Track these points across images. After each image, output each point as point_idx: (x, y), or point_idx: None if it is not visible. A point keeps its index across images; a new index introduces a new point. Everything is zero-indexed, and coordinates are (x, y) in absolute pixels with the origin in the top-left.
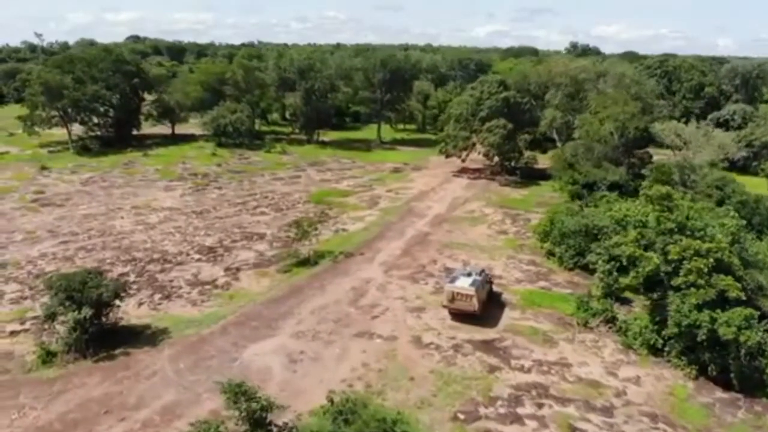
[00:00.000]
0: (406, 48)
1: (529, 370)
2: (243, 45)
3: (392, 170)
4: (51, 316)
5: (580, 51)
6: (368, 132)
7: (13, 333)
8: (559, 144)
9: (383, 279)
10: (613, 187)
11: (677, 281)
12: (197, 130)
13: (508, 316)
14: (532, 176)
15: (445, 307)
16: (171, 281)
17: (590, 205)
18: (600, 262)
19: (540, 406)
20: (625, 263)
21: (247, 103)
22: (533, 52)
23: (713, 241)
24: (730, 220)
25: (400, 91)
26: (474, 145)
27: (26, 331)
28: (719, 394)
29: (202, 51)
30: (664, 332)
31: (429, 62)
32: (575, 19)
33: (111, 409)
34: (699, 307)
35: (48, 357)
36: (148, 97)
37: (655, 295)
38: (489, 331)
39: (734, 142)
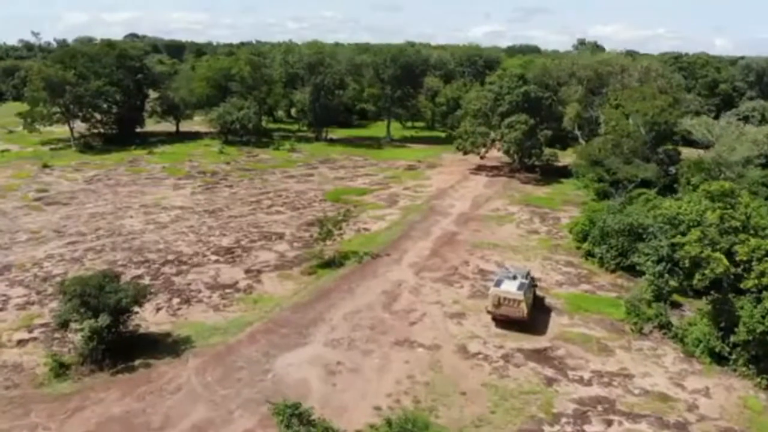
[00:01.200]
0: (412, 45)
1: (589, 382)
2: (242, 44)
3: (407, 168)
4: (64, 324)
5: (588, 48)
6: (376, 130)
7: (20, 342)
8: (582, 140)
9: (415, 281)
10: (644, 184)
11: (748, 284)
12: (202, 128)
13: (556, 323)
14: (552, 174)
15: (489, 313)
16: (189, 284)
17: (626, 204)
18: (649, 263)
19: (609, 423)
20: (687, 264)
21: (254, 100)
22: (535, 50)
23: None
24: None
25: (410, 88)
26: (493, 141)
27: (35, 340)
28: None
29: (201, 49)
30: (730, 339)
31: (437, 58)
32: (572, 19)
33: (134, 430)
34: None
35: (61, 369)
36: (152, 94)
37: (712, 299)
38: (539, 339)
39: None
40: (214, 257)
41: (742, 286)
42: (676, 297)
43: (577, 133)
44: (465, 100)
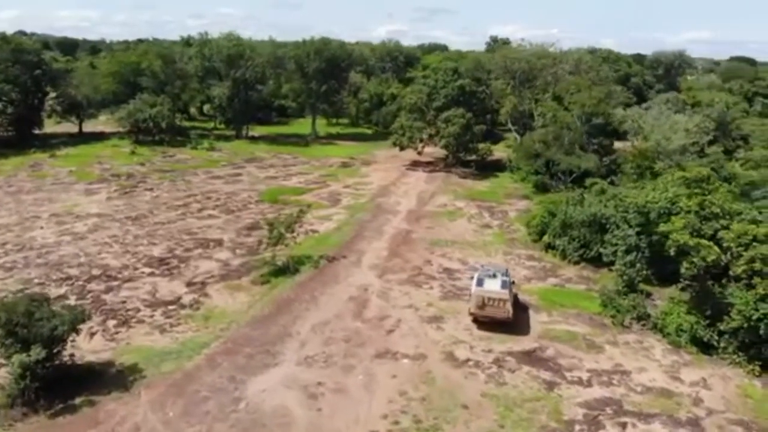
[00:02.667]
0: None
1: (589, 383)
2: (140, 41)
3: (341, 165)
4: None
5: (501, 46)
6: (299, 127)
7: None
8: (515, 134)
9: (381, 285)
10: (580, 176)
11: (738, 270)
12: (107, 128)
13: (536, 320)
14: (487, 168)
15: (472, 314)
16: (123, 302)
17: (584, 195)
18: (619, 253)
19: (623, 426)
20: (672, 253)
21: (167, 96)
22: (444, 49)
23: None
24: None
25: (335, 83)
26: (431, 137)
27: None
28: None
29: (95, 47)
30: (716, 327)
31: (358, 53)
32: (472, 19)
33: None
34: (763, 298)
35: None
36: (51, 93)
37: (695, 287)
38: (524, 340)
39: (698, 127)
40: (147, 270)
41: (731, 272)
42: (642, 286)
43: (511, 127)
44: (400, 95)
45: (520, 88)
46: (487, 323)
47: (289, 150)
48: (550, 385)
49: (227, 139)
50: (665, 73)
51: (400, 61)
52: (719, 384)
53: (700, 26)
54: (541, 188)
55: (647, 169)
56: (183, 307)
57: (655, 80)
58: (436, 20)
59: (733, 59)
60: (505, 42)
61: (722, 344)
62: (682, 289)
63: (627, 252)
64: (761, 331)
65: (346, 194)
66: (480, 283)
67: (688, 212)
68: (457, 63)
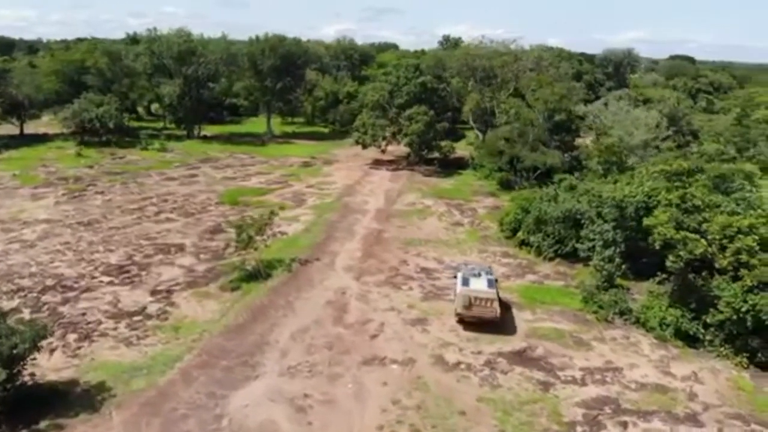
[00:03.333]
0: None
1: (584, 382)
2: (79, 40)
3: (301, 165)
4: None
5: (453, 45)
6: (252, 126)
7: None
8: (477, 132)
9: (359, 288)
10: (549, 171)
11: (723, 262)
12: (50, 129)
13: (520, 319)
14: (449, 166)
15: (458, 315)
16: (83, 314)
17: (558, 191)
18: (597, 248)
19: (624, 425)
20: (657, 247)
21: (114, 95)
22: (395, 48)
23: (752, 216)
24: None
25: (291, 80)
26: (394, 134)
27: None
28: None
29: (33, 46)
30: (700, 320)
31: (313, 51)
32: (419, 19)
33: None
34: (750, 290)
35: None
36: None
37: (678, 281)
38: (512, 339)
39: (657, 122)
40: (105, 278)
41: (716, 264)
42: (618, 281)
43: (473, 124)
44: (362, 93)
45: (481, 86)
46: (473, 323)
47: (245, 149)
48: (545, 386)
49: (179, 139)
50: (614, 71)
51: (355, 59)
52: (710, 377)
53: (639, 26)
54: (506, 185)
55: (614, 164)
56: (149, 317)
57: (605, 78)
58: (384, 20)
59: (672, 58)
60: (458, 41)
61: (708, 337)
62: (659, 283)
63: (605, 247)
64: (748, 323)
65: (310, 194)
66: (465, 282)
67: (668, 205)
68: (419, 60)
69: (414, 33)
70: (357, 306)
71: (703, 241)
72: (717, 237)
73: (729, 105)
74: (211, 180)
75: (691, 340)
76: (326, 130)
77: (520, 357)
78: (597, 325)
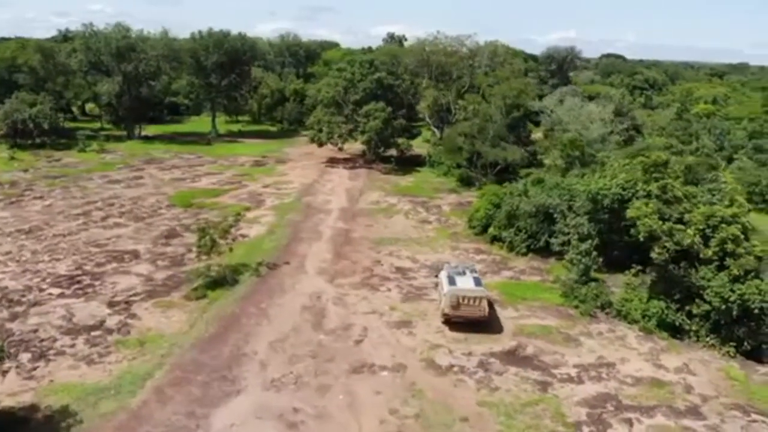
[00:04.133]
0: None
1: (580, 380)
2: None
3: (253, 164)
4: None
5: (398, 42)
6: (195, 125)
7: None
8: (433, 129)
9: (334, 291)
10: (507, 167)
11: (709, 252)
12: None
13: (505, 316)
14: (407, 163)
15: (445, 315)
16: (35, 331)
17: (527, 185)
18: (573, 242)
19: (629, 422)
20: (642, 239)
21: (48, 94)
22: (336, 45)
23: (733, 206)
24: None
25: (236, 77)
26: (351, 132)
27: None
28: (765, 369)
29: None
30: (684, 311)
31: (258, 47)
32: (355, 19)
33: None
34: (736, 279)
35: None
36: None
37: (658, 272)
38: (500, 338)
39: (611, 117)
40: (55, 290)
41: (702, 255)
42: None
43: (429, 121)
44: (314, 89)
45: (437, 82)
46: (460, 324)
47: (191, 149)
48: (543, 386)
49: (118, 139)
50: (558, 69)
51: (301, 56)
52: (701, 368)
53: (568, 26)
54: (466, 182)
55: (576, 159)
56: (109, 332)
57: (549, 75)
58: (320, 19)
59: (606, 56)
60: (402, 39)
61: (694, 328)
62: (635, 275)
63: (581, 240)
64: (734, 312)
65: (268, 194)
66: (452, 281)
67: (647, 196)
68: (374, 55)
69: (352, 32)
70: (335, 310)
71: (690, 231)
72: (700, 227)
73: (667, 100)
74: (159, 182)
75: (674, 332)
76: (274, 129)
77: (513, 356)
78: (581, 319)
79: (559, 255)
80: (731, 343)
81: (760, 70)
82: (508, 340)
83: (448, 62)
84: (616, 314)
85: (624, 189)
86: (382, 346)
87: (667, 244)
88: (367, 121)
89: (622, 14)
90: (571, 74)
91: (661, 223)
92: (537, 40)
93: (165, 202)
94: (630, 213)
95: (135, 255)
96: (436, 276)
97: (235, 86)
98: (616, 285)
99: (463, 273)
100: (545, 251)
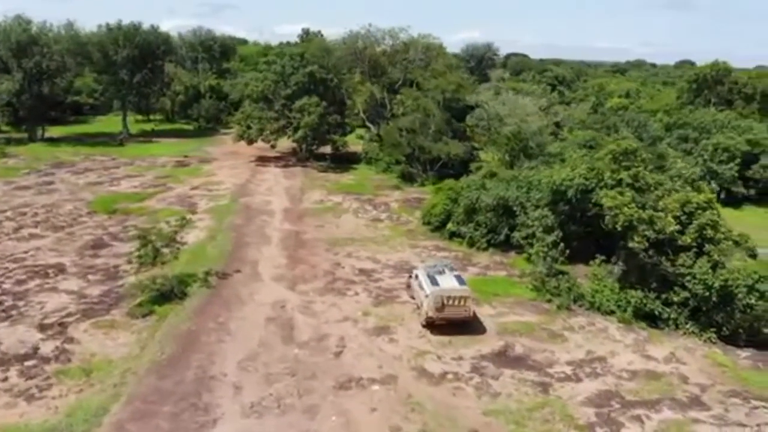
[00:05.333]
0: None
1: (577, 378)
2: None
3: (175, 165)
4: None
5: (314, 38)
6: (102, 125)
7: None
8: (369, 125)
9: (298, 299)
10: (449, 162)
11: (687, 239)
12: None
13: (483, 314)
14: (341, 161)
15: (429, 319)
16: None
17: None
18: (538, 234)
19: (639, 419)
20: (619, 228)
21: None
22: (244, 42)
23: (702, 193)
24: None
25: (149, 73)
26: (284, 128)
27: None
28: (745, 353)
29: None
30: (660, 299)
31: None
32: (258, 17)
33: None
34: (716, 265)
35: None
36: None
37: (632, 260)
38: (486, 339)
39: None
40: None
41: (680, 242)
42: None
43: (363, 116)
44: (232, 85)
45: (369, 76)
46: (442, 326)
47: (102, 151)
48: (543, 387)
49: (19, 142)
50: (477, 65)
51: (216, 52)
52: (689, 357)
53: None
54: (408, 178)
55: (520, 151)
56: (46, 360)
57: (469, 72)
58: (222, 16)
59: (512, 55)
60: (317, 34)
61: (672, 315)
62: (599, 266)
63: (546, 233)
64: (714, 298)
65: (199, 197)
66: (434, 281)
67: (616, 185)
68: (305, 48)
69: (256, 30)
70: (304, 320)
71: (670, 219)
72: (677, 214)
73: (579, 96)
74: (74, 187)
75: (651, 321)
76: (190, 128)
77: (504, 358)
78: (559, 314)
79: (519, 249)
80: (711, 329)
81: (652, 66)
82: (494, 340)
83: (382, 56)
84: (589, 306)
85: (587, 179)
86: (364, 357)
87: (647, 233)
88: (301, 117)
89: (521, 15)
90: (489, 71)
91: (641, 211)
92: (447, 39)
93: (84, 208)
94: (607, 202)
95: (60, 269)
96: (409, 276)
97: (148, 83)
98: (579, 276)
99: (443, 272)
100: (505, 245)
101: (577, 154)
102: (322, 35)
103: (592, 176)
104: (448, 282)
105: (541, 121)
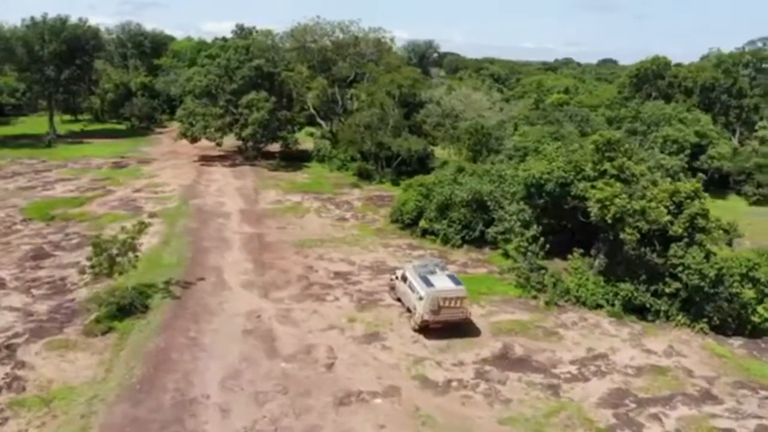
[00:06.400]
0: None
1: (585, 377)
2: None
3: (112, 166)
4: None
5: (248, 34)
6: (24, 126)
7: None
8: (320, 121)
9: (274, 307)
10: (406, 160)
11: (678, 229)
12: None
13: (474, 314)
14: (292, 159)
15: (424, 323)
16: None
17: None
18: (516, 229)
19: (657, 418)
20: (609, 221)
21: None
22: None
23: (694, 181)
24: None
25: (77, 70)
26: (231, 125)
27: None
28: (737, 342)
29: None
30: (649, 292)
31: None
32: (183, 15)
33: None
34: (708, 255)
35: None
36: None
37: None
38: (482, 341)
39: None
40: None
41: (671, 232)
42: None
43: (314, 113)
44: (181, 79)
45: (318, 71)
46: (437, 329)
47: (30, 153)
48: (553, 390)
49: None
50: (419, 62)
51: (147, 47)
52: (686, 349)
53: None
54: (365, 176)
55: (483, 146)
56: None
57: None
58: (146, 14)
59: (445, 54)
60: (252, 30)
61: (663, 307)
62: (578, 259)
63: (525, 227)
64: (706, 288)
65: (144, 200)
66: (427, 282)
67: (600, 176)
68: (249, 41)
69: (182, 28)
70: (285, 330)
71: (663, 210)
72: (666, 204)
73: (518, 93)
74: (3, 192)
75: (638, 313)
76: (122, 127)
77: (506, 360)
78: (548, 310)
79: (494, 245)
80: (703, 320)
81: (578, 65)
82: (491, 341)
83: (332, 49)
84: (575, 301)
85: (565, 172)
86: (359, 368)
87: (639, 224)
88: (249, 113)
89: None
90: (428, 68)
91: (633, 202)
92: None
93: (18, 215)
94: (595, 194)
95: (0, 284)
96: (392, 278)
97: (76, 80)
98: (557, 271)
99: (434, 271)
100: (479, 241)
101: (552, 146)
102: (257, 31)
103: (570, 169)
104: (442, 282)
105: (497, 116)
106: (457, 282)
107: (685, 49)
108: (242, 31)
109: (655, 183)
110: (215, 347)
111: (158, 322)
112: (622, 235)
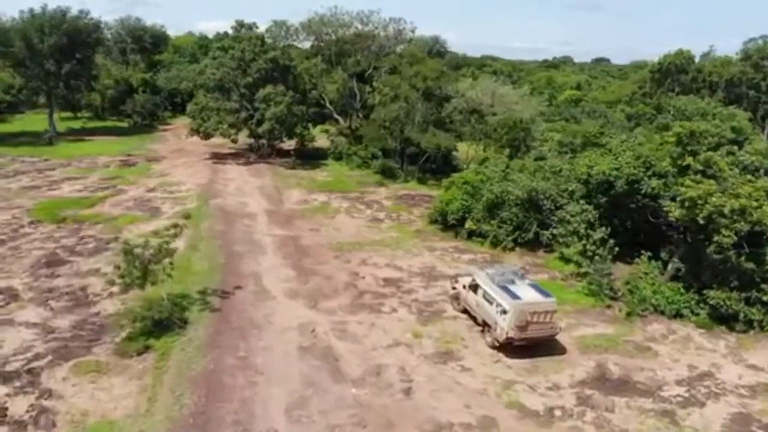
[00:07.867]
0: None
1: (699, 401)
2: None
3: (120, 165)
4: None
5: (247, 29)
6: (22, 123)
7: None
8: (337, 117)
9: (327, 320)
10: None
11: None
12: None
13: None
14: (307, 156)
15: (508, 339)
16: None
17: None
18: (581, 231)
19: None
20: (702, 222)
21: None
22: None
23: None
24: None
25: (77, 64)
26: (246, 120)
27: None
28: None
29: None
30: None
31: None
32: (175, 14)
33: None
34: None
35: None
36: None
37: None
38: (571, 359)
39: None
40: None
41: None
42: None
43: (330, 108)
44: (195, 71)
45: (334, 64)
46: (520, 347)
47: (31, 152)
48: (670, 417)
49: None
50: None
51: (147, 42)
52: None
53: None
54: (389, 174)
55: (521, 141)
56: (22, 426)
57: None
58: (138, 13)
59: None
60: (252, 26)
61: (757, 317)
62: (647, 263)
63: (591, 228)
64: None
65: (160, 200)
66: (511, 293)
67: (681, 172)
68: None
69: (175, 27)
70: (347, 348)
71: (765, 208)
72: (763, 203)
73: (527, 89)
74: (6, 193)
75: (725, 322)
76: (124, 125)
77: (606, 383)
78: (630, 321)
79: (548, 247)
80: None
81: (575, 63)
82: (581, 360)
83: (350, 41)
84: (653, 310)
85: (635, 168)
86: (442, 394)
87: (737, 225)
88: (266, 108)
89: (444, 15)
90: None
91: (733, 200)
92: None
93: (25, 217)
94: (688, 193)
95: (12, 295)
96: (454, 286)
97: (77, 75)
98: (621, 276)
99: (513, 280)
100: (531, 244)
101: (616, 139)
102: (257, 27)
103: (639, 164)
104: (528, 294)
105: (527, 109)
106: (545, 294)
107: (676, 48)
108: (242, 28)
109: (744, 179)
110: (272, 369)
111: (201, 339)
112: (716, 237)
